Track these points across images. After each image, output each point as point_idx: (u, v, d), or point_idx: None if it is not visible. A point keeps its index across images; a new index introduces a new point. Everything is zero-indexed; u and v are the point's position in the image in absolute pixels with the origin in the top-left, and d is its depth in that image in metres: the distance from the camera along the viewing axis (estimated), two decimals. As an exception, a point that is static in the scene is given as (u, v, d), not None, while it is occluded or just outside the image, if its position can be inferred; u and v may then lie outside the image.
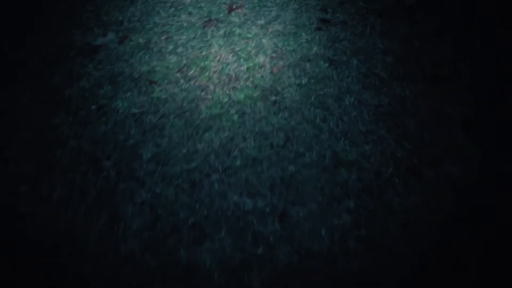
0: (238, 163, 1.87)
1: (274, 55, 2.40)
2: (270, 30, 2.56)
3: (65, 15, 2.65)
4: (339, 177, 1.81)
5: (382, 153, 1.89)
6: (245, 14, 2.68)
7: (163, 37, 2.51)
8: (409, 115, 2.05)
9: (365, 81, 2.23)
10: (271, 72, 2.29)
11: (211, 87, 2.21)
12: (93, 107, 2.09)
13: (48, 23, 2.57)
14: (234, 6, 2.74)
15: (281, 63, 2.34)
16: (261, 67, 2.32)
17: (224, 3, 2.78)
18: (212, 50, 2.42)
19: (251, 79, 2.25)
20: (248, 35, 2.52)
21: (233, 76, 2.27)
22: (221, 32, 2.55)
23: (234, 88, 2.20)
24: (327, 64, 2.33)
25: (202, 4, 2.77)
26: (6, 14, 2.62)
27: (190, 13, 2.69)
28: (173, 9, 2.73)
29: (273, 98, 2.15)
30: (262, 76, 2.26)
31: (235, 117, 2.06)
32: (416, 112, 2.06)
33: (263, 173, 1.83)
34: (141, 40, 2.48)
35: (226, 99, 2.15)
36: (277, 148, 1.92)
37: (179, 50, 2.42)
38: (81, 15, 2.66)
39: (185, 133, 1.99)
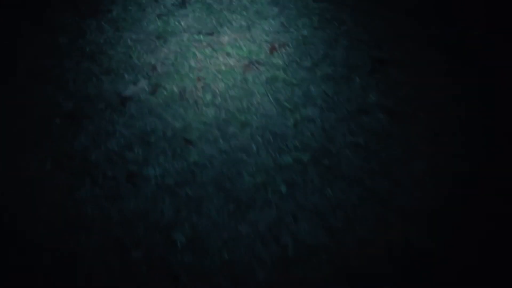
0: (289, 253, 1.50)
1: (324, 105, 2.02)
2: (318, 73, 2.18)
3: (93, 59, 2.36)
4: (416, 274, 1.41)
5: (468, 241, 1.48)
6: (289, 54, 2.31)
7: (199, 85, 2.17)
8: (496, 184, 1.63)
9: (437, 140, 1.82)
10: (322, 128, 1.91)
11: (254, 148, 1.85)
12: (122, 176, 1.77)
13: (73, 69, 2.28)
14: (276, 45, 2.37)
15: (333, 116, 1.96)
16: (310, 121, 1.94)
17: (265, 41, 2.42)
18: (254, 101, 2.06)
19: (299, 137, 1.88)
20: (294, 81, 2.15)
21: (278, 133, 1.90)
22: (263, 77, 2.19)
23: (280, 149, 1.84)
24: (388, 118, 1.93)
25: (241, 43, 2.42)
26: (25, 63, 2.35)
27: (228, 54, 2.35)
28: (209, 49, 2.39)
29: (327, 162, 1.77)
30: (312, 134, 1.89)
31: (283, 187, 1.70)
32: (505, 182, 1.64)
33: (321, 267, 1.46)
34: (175, 89, 2.15)
35: (271, 164, 1.79)
36: (336, 233, 1.54)
37: (217, 101, 2.08)
38: (110, 58, 2.36)
39: (225, 210, 1.64)
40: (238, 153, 1.83)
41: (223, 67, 2.27)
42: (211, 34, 2.50)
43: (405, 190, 1.65)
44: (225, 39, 2.46)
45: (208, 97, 2.10)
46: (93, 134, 1.95)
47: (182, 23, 2.59)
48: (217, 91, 2.13)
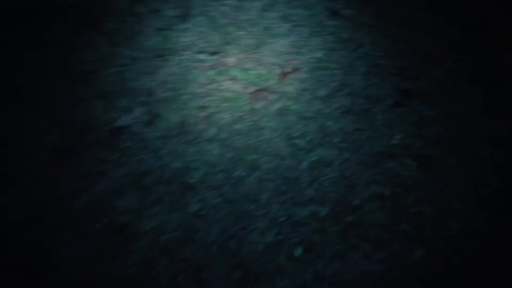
0: None
1: (343, 145, 1.73)
2: (334, 105, 1.90)
3: (84, 79, 2.05)
4: None
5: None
6: (301, 81, 2.02)
7: (202, 115, 1.88)
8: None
9: (471, 194, 1.54)
10: (342, 174, 1.63)
11: (264, 197, 1.57)
12: (112, 230, 1.49)
13: (62, 92, 1.98)
14: (288, 70, 2.08)
15: (353, 159, 1.68)
16: (327, 165, 1.66)
17: (275, 63, 2.12)
18: (263, 137, 1.78)
19: (315, 184, 1.60)
20: (307, 114, 1.87)
21: (291, 178, 1.62)
22: (273, 108, 1.90)
23: (293, 199, 1.56)
24: (415, 163, 1.65)
25: (249, 65, 2.12)
26: (8, 82, 2.04)
27: (234, 79, 2.05)
28: (213, 71, 2.10)
29: (348, 218, 1.49)
30: (330, 181, 1.61)
31: (298, 250, 1.42)
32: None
33: None
34: (174, 120, 1.86)
35: (283, 218, 1.51)
36: (361, 314, 1.27)
37: (222, 135, 1.79)
38: (103, 79, 2.06)
39: (230, 279, 1.36)
40: (245, 203, 1.55)
41: (228, 94, 1.98)
42: (215, 53, 2.20)
43: (440, 258, 1.38)
44: (230, 60, 2.16)
45: (212, 130, 1.81)
46: (80, 174, 1.66)
47: (183, 40, 2.29)
48: (222, 124, 1.84)
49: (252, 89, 1.99)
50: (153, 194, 1.59)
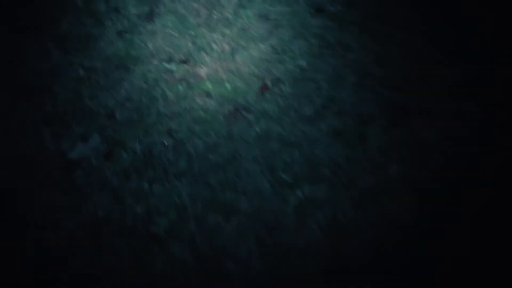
0: None
1: (334, 180, 1.43)
2: (322, 127, 1.58)
3: (31, 98, 1.67)
4: None
5: None
6: (284, 97, 1.69)
7: (170, 142, 1.54)
8: None
9: (485, 249, 1.28)
10: (334, 218, 1.33)
11: (243, 250, 1.27)
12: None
13: (4, 114, 1.60)
14: (268, 82, 1.73)
15: (346, 198, 1.38)
16: (316, 206, 1.36)
17: (254, 74, 1.77)
18: (242, 170, 1.46)
19: (303, 233, 1.31)
20: (292, 138, 1.55)
21: (275, 225, 1.32)
22: (253, 132, 1.57)
23: (278, 254, 1.26)
24: (417, 202, 1.36)
25: (224, 76, 1.76)
26: None
27: (208, 94, 1.70)
28: (184, 84, 1.74)
29: (344, 282, 1.21)
30: (320, 228, 1.31)
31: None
32: None
33: None
34: (138, 149, 1.52)
35: (266, 279, 1.22)
36: None
37: (194, 169, 1.46)
38: (55, 97, 1.68)
39: None
40: (221, 259, 1.25)
41: (201, 114, 1.63)
42: (186, 61, 1.84)
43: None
44: (203, 70, 1.80)
45: (182, 163, 1.48)
46: (24, 223, 1.32)
47: (149, 45, 1.91)
48: (194, 154, 1.51)
49: (228, 107, 1.65)
50: (111, 249, 1.27)
